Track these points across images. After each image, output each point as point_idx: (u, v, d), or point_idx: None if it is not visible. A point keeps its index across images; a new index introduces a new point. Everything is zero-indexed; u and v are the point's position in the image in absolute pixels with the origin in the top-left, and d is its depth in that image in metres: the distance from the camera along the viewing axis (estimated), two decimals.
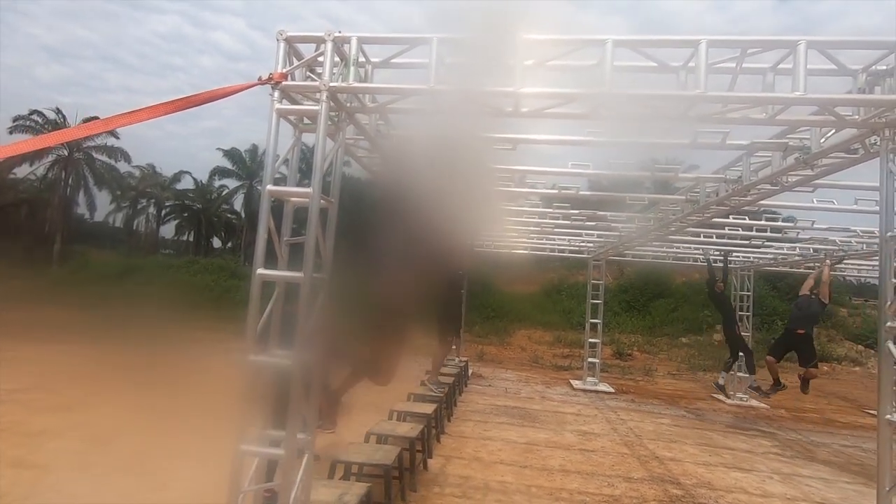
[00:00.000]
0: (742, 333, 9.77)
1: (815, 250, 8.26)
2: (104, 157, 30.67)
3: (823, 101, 2.65)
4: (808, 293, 7.82)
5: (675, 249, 9.83)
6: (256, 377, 2.88)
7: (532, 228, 8.36)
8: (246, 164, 32.91)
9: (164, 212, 35.95)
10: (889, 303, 2.65)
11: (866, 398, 12.63)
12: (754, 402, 10.95)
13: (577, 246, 10.51)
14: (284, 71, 2.87)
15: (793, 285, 21.52)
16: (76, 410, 6.71)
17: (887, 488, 2.57)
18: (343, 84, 2.87)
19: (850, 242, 7.44)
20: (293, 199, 3.03)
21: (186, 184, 35.34)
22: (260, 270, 2.83)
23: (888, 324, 2.63)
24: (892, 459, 2.65)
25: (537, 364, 14.96)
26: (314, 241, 2.81)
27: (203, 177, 35.02)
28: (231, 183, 33.94)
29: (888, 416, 2.58)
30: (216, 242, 37.89)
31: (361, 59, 3.05)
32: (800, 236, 7.55)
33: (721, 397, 11.30)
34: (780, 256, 9.30)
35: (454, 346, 10.04)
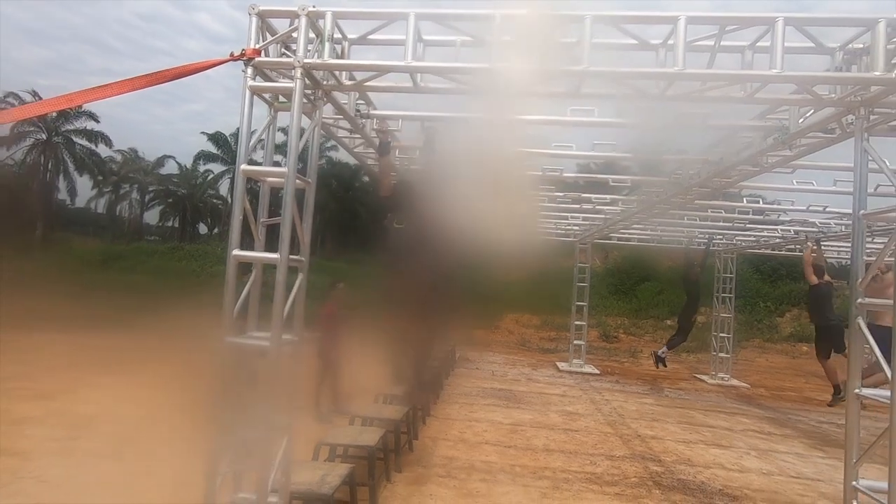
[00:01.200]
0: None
1: (796, 232, 8.36)
2: (84, 142, 29.98)
3: (801, 78, 2.65)
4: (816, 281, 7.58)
5: (658, 232, 9.90)
6: (233, 358, 2.86)
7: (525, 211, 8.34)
8: (231, 149, 32.31)
9: (147, 197, 35.33)
10: (860, 279, 2.68)
11: (843, 377, 12.95)
12: (735, 382, 11.18)
13: (563, 230, 10.54)
14: (257, 47, 2.80)
15: (775, 268, 21.93)
16: (58, 399, 6.63)
17: (854, 460, 2.64)
18: (318, 60, 2.80)
19: (830, 224, 7.54)
20: (269, 179, 2.98)
21: (170, 168, 34.73)
22: (235, 251, 2.78)
23: (859, 300, 2.67)
24: (860, 432, 2.72)
25: (524, 347, 15.11)
26: (290, 222, 2.76)
27: (187, 161, 34.42)
28: (216, 168, 33.40)
29: (857, 391, 2.64)
30: (202, 228, 37.43)
31: (337, 35, 2.98)
32: (780, 218, 7.64)
33: (704, 377, 11.53)
34: (762, 239, 9.41)
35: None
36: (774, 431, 7.61)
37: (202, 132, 36.58)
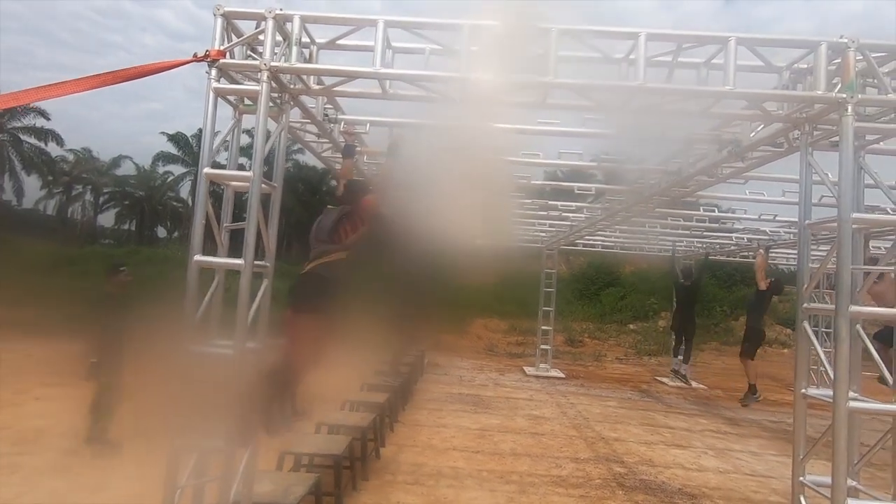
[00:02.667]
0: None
1: (749, 240, 8.77)
2: (33, 140, 28.48)
3: (751, 95, 2.80)
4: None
5: (622, 239, 10.19)
6: (195, 367, 2.78)
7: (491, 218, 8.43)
8: (193, 150, 31.38)
9: (102, 199, 33.84)
10: (806, 285, 2.85)
11: (789, 377, 13.60)
12: (694, 384, 11.58)
13: (531, 236, 10.71)
14: (222, 48, 2.74)
15: (731, 273, 22.88)
16: (2, 412, 6.25)
17: (801, 456, 2.79)
18: (285, 64, 2.77)
19: (779, 232, 7.95)
20: (232, 183, 2.92)
21: (127, 169, 33.41)
22: (197, 257, 2.71)
23: (805, 305, 2.83)
24: (806, 430, 2.87)
25: (492, 352, 15.22)
26: (255, 227, 2.71)
27: (146, 162, 33.19)
28: (177, 169, 32.36)
29: (804, 391, 2.79)
30: (161, 232, 36.11)
31: (305, 39, 2.96)
32: (734, 226, 8.00)
33: (665, 380, 11.88)
34: (718, 246, 9.82)
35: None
36: (730, 431, 7.92)
37: (162, 132, 35.37)
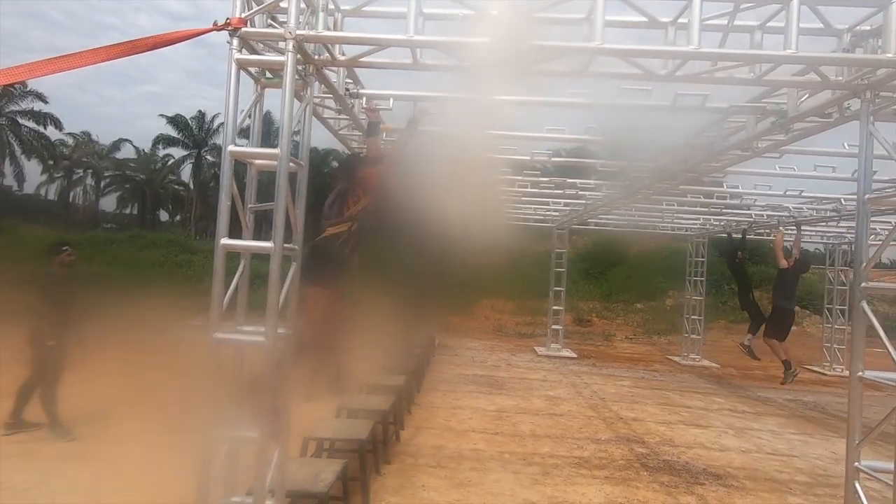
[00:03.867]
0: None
1: (768, 216, 8.59)
2: (31, 124, 28.09)
3: (813, 59, 2.61)
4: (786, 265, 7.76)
5: (636, 217, 10.00)
6: (222, 356, 2.66)
7: (501, 198, 8.26)
8: (193, 133, 31.00)
9: (103, 183, 33.58)
10: (864, 264, 2.70)
11: (803, 355, 13.54)
12: (706, 362, 11.55)
13: (541, 215, 10.53)
14: (244, 16, 2.55)
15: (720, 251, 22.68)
16: (12, 398, 6.19)
17: (857, 441, 2.69)
18: (312, 32, 2.58)
19: (802, 209, 7.76)
20: (257, 161, 2.76)
21: (127, 153, 33.05)
22: (224, 241, 2.57)
23: (863, 284, 2.69)
24: (861, 414, 2.76)
25: (501, 333, 15.19)
26: (284, 208, 2.56)
27: (145, 145, 32.81)
28: (177, 152, 31.99)
29: (860, 374, 2.67)
30: (163, 215, 35.94)
31: (330, 5, 2.76)
32: (756, 202, 7.81)
33: (677, 359, 11.85)
34: (734, 223, 9.64)
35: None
36: (748, 410, 7.87)
37: (161, 115, 34.83)
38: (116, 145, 32.57)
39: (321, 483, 3.39)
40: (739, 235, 9.14)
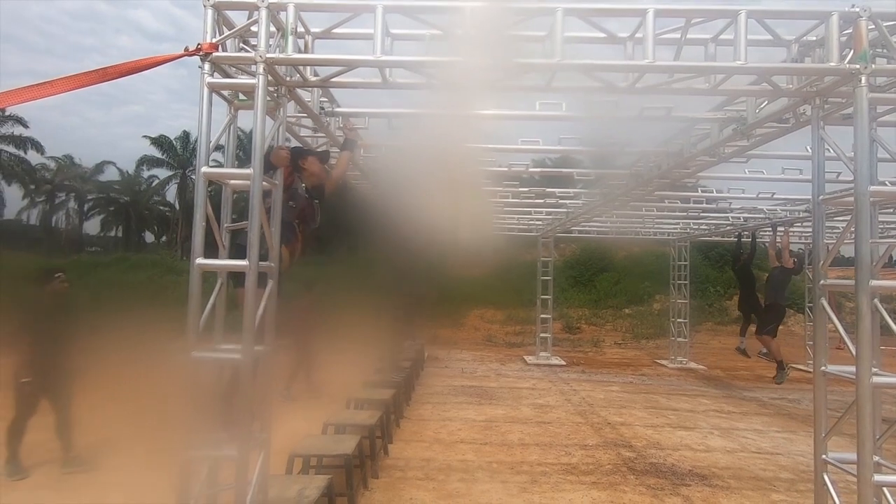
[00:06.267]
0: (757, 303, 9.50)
1: (745, 219, 8.79)
2: (11, 148, 27.81)
3: (763, 69, 2.74)
4: (779, 264, 8.00)
5: (617, 224, 10.16)
6: (200, 374, 2.68)
7: (483, 209, 8.36)
8: (177, 153, 30.89)
9: (86, 206, 33.22)
10: (822, 261, 2.81)
11: (788, 354, 13.72)
12: (693, 365, 11.67)
13: (525, 224, 10.65)
14: (214, 41, 2.62)
15: (722, 254, 23.05)
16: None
17: (823, 434, 2.77)
18: (281, 55, 2.66)
19: (776, 210, 7.96)
20: (232, 181, 2.81)
21: (111, 175, 32.79)
22: (199, 260, 2.60)
23: (822, 281, 2.80)
24: (826, 408, 2.84)
25: (491, 343, 15.22)
26: (258, 227, 2.61)
27: (129, 167, 32.59)
28: (162, 173, 31.81)
29: (823, 368, 2.76)
30: (149, 237, 35.58)
31: (300, 28, 2.84)
32: (732, 206, 8.00)
33: (664, 362, 11.96)
34: (714, 226, 9.83)
35: None
36: (734, 410, 7.97)
37: (144, 136, 34.71)
38: (100, 168, 32.34)
39: (305, 500, 3.39)
40: (749, 239, 9.16)
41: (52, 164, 31.32)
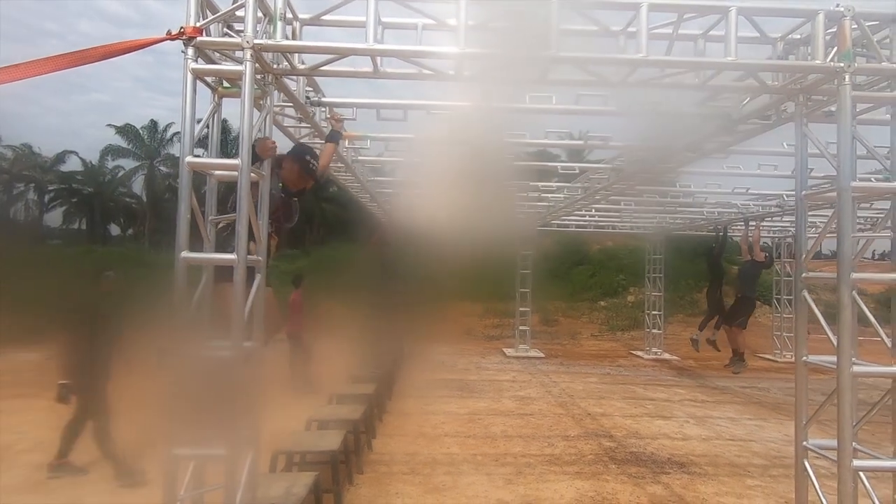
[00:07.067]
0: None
1: (719, 213, 9.02)
2: None
3: (751, 66, 2.79)
4: (750, 258, 8.17)
5: (596, 219, 10.29)
6: (186, 372, 2.59)
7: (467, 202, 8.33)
8: (145, 143, 29.80)
9: (47, 198, 31.77)
10: (804, 255, 2.90)
11: (757, 344, 14.22)
12: (667, 356, 11.97)
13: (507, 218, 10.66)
14: (199, 25, 2.51)
15: (694, 247, 23.67)
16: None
17: (804, 421, 2.86)
18: (270, 42, 2.56)
19: (749, 205, 8.19)
20: (217, 172, 2.71)
21: (73, 165, 31.36)
22: (184, 254, 2.50)
23: (804, 274, 2.88)
24: (807, 396, 2.94)
25: (470, 336, 15.27)
26: (247, 220, 2.53)
27: (93, 157, 31.26)
28: (128, 163, 30.62)
29: (805, 358, 2.85)
30: (114, 230, 34.30)
31: (288, 14, 2.75)
32: (707, 200, 8.19)
33: (640, 353, 12.23)
34: (689, 221, 10.06)
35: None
36: (707, 399, 8.22)
37: (109, 124, 33.28)
38: (61, 157, 30.90)
39: (293, 497, 3.33)
40: (722, 234, 9.38)
41: (10, 154, 29.82)
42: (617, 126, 4.84)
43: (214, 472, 2.84)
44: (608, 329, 17.02)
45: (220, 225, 2.75)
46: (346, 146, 4.89)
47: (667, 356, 11.98)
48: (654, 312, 12.26)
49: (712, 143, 4.21)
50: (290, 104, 3.54)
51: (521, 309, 11.86)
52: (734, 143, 4.09)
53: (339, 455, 4.35)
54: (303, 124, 4.01)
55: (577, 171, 6.04)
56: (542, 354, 11.78)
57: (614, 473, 5.05)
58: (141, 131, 29.86)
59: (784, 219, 9.12)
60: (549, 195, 7.62)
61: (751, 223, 8.06)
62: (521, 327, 11.94)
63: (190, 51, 2.51)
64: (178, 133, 29.67)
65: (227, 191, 2.76)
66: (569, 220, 10.88)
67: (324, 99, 3.66)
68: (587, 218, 10.19)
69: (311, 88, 3.69)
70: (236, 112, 2.57)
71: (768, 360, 11.85)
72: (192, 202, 2.56)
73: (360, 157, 5.42)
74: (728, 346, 8.55)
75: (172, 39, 2.50)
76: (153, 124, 29.84)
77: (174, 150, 29.63)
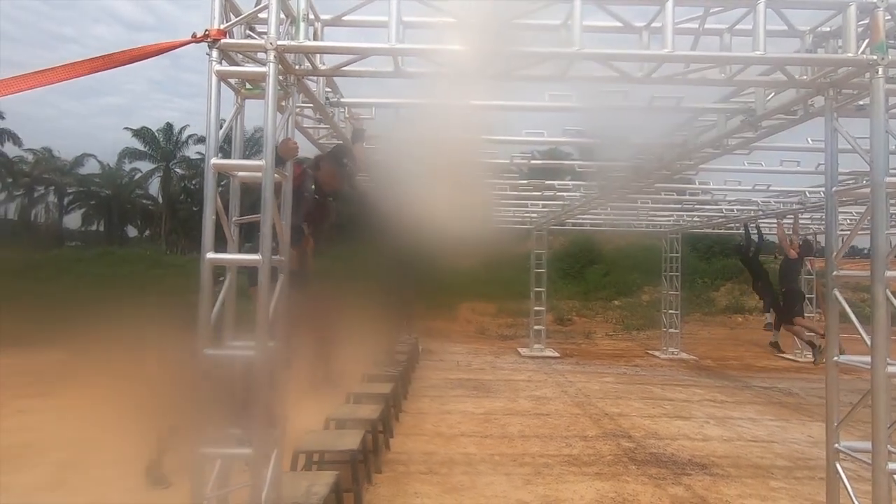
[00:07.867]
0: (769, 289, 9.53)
1: (738, 211, 8.88)
2: None
3: (779, 60, 2.74)
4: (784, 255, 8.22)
5: (612, 216, 10.20)
6: (212, 372, 2.61)
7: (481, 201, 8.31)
8: (160, 145, 30.28)
9: (66, 200, 32.42)
10: (835, 252, 2.83)
11: (782, 344, 13.99)
12: (684, 355, 11.82)
13: (521, 217, 10.63)
14: (223, 27, 2.52)
15: (710, 245, 23.37)
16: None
17: (835, 423, 2.80)
18: (293, 43, 2.57)
19: (769, 202, 8.06)
20: (240, 173, 2.72)
21: (91, 168, 32.03)
22: (210, 255, 2.52)
23: (835, 272, 2.82)
24: (838, 397, 2.87)
25: (484, 335, 15.25)
26: (271, 220, 2.54)
27: (110, 160, 31.84)
28: (144, 166, 31.17)
29: (835, 358, 2.79)
30: (131, 231, 34.89)
31: (310, 16, 2.75)
32: (726, 198, 8.07)
33: (656, 353, 12.10)
34: (706, 218, 9.92)
35: None
36: (727, 399, 8.09)
37: (125, 127, 33.88)
38: (79, 160, 31.54)
39: (314, 496, 3.34)
40: (745, 232, 9.24)
41: (30, 157, 30.48)
42: (642, 121, 4.72)
43: (237, 471, 2.87)
44: (623, 328, 16.88)
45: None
46: (367, 146, 4.90)
47: (684, 356, 11.82)
48: (670, 311, 12.11)
49: (735, 140, 4.14)
50: (310, 105, 3.55)
51: (535, 308, 11.78)
52: (757, 140, 4.02)
53: (359, 454, 4.36)
54: (321, 125, 4.03)
55: (593, 170, 5.99)
56: (557, 354, 11.71)
57: (634, 474, 4.99)
58: (157, 134, 30.33)
59: (805, 216, 8.94)
60: (565, 193, 7.56)
61: (784, 221, 7.98)
62: (535, 327, 11.87)
63: (214, 53, 2.53)
64: (192, 135, 30.07)
65: (248, 192, 2.78)
66: (583, 219, 10.80)
67: (343, 99, 3.67)
68: (602, 216, 10.10)
69: (329, 89, 3.70)
70: (253, 115, 2.60)
71: (789, 359, 11.63)
72: (217, 203, 2.58)
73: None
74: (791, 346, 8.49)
75: (197, 42, 2.52)
76: (168, 127, 30.32)
77: (189, 152, 30.04)
